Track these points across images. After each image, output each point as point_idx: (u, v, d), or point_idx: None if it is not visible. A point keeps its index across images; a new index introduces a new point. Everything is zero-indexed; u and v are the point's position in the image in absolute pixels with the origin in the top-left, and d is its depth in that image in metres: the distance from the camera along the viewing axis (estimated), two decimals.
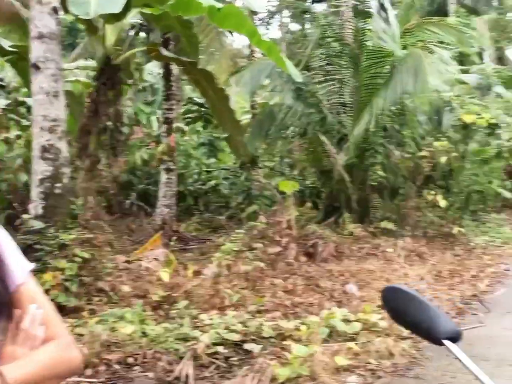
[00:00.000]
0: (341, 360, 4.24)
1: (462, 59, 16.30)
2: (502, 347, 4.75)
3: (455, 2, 18.36)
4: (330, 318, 4.96)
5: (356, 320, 5.06)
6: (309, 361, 4.10)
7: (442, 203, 9.87)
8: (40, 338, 1.14)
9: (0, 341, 1.14)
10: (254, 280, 6.45)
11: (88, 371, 4.07)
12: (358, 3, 9.80)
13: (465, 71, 15.46)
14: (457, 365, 4.37)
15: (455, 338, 1.02)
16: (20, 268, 1.21)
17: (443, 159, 10.04)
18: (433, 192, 10.05)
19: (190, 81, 9.62)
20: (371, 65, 9.94)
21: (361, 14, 9.67)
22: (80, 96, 12.94)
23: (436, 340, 1.03)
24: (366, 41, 9.83)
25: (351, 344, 4.61)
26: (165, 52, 7.75)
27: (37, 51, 6.20)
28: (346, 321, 5.05)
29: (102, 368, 4.14)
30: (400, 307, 1.10)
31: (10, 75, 22.07)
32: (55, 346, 1.16)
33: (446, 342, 1.01)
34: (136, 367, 4.26)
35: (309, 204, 13.50)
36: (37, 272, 4.82)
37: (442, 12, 18.71)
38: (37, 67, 6.18)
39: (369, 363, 4.36)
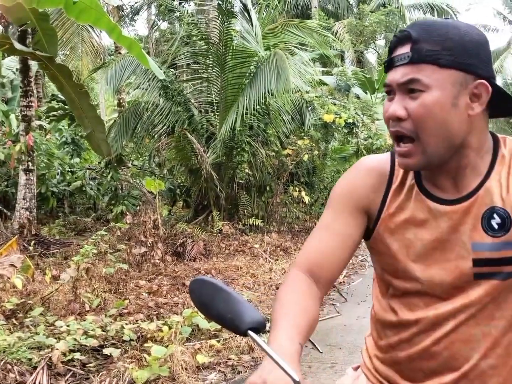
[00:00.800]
0: (202, 358, 4.24)
1: (325, 61, 17.10)
2: (355, 334, 5.01)
3: (318, 7, 19.16)
4: (192, 316, 4.93)
5: None
6: (169, 361, 4.05)
7: (306, 199, 10.26)
8: None
9: None
10: (117, 282, 6.27)
11: None
12: (222, 2, 9.84)
13: (327, 73, 16.21)
14: (313, 354, 4.55)
15: (259, 328, 1.03)
16: None
17: (306, 157, 10.44)
18: (297, 188, 10.42)
19: (48, 76, 9.14)
20: (236, 64, 10.09)
21: (226, 13, 9.73)
22: None
23: (241, 331, 1.03)
24: (231, 40, 9.94)
25: (213, 341, 4.63)
26: (18, 46, 7.28)
27: None
28: None
29: None
30: (207, 299, 1.09)
31: None
32: None
33: (250, 332, 1.02)
34: None
35: (180, 203, 13.45)
36: None
37: (305, 15, 19.50)
38: None
39: (230, 359, 4.40)
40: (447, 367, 1.29)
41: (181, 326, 4.70)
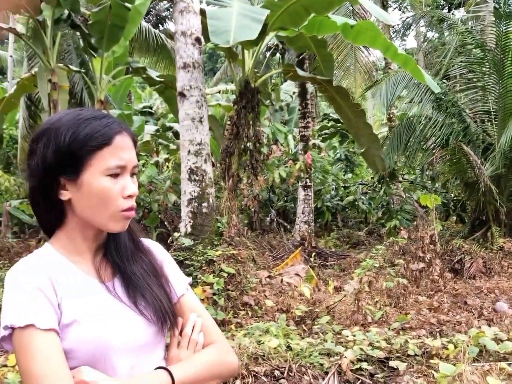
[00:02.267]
0: (493, 381, 4.03)
1: None
2: None
3: None
4: (479, 337, 4.72)
5: (508, 339, 4.77)
6: (458, 380, 3.94)
7: None
8: (201, 343, 1.28)
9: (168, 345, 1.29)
10: (397, 297, 6.33)
11: (237, 382, 4.25)
12: (498, 5, 9.30)
13: None
14: None
15: None
16: (179, 281, 1.36)
17: None
18: None
19: (325, 98, 9.74)
20: None
21: (503, 16, 9.16)
22: (221, 119, 13.67)
23: None
24: (510, 45, 9.32)
25: (503, 364, 4.36)
26: (301, 72, 7.93)
27: (182, 80, 6.67)
28: (498, 340, 4.78)
29: (251, 380, 4.30)
30: None
31: (157, 103, 23.85)
32: (215, 349, 1.29)
33: None
34: (282, 380, 4.37)
35: (453, 218, 12.97)
36: None
37: None
38: (183, 95, 6.65)
39: None
40: None
41: (468, 346, 4.53)
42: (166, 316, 1.26)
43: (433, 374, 4.11)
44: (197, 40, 6.60)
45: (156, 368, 1.21)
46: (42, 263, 1.20)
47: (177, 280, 1.35)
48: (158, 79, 9.40)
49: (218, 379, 1.28)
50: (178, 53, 6.68)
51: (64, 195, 1.22)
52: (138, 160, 1.30)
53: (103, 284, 1.25)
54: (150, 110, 22.11)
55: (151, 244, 1.39)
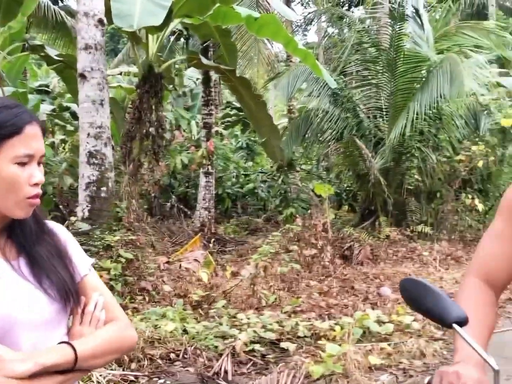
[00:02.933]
0: (374, 359, 4.39)
1: (503, 63, 16.13)
2: None
3: (495, 4, 18.14)
4: (364, 319, 5.09)
5: (390, 322, 5.19)
6: (342, 359, 4.25)
7: (480, 207, 9.85)
8: (102, 319, 1.36)
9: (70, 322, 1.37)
10: (290, 281, 6.64)
11: (133, 365, 4.32)
12: (394, 7, 9.85)
13: (506, 74, 15.28)
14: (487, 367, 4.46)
15: (462, 322, 1.19)
16: (82, 262, 1.42)
17: (481, 163, 10.02)
18: (470, 196, 10.05)
19: (229, 87, 9.88)
20: (407, 70, 10.00)
21: (398, 18, 9.71)
22: (122, 101, 13.39)
23: (446, 323, 1.21)
24: (402, 46, 9.90)
25: (384, 345, 4.75)
26: (205, 61, 8.01)
27: (83, 61, 6.55)
28: (380, 322, 5.18)
29: (146, 362, 4.39)
30: (416, 296, 1.27)
31: (54, 81, 22.84)
32: (116, 326, 1.37)
33: (454, 325, 1.19)
34: (177, 362, 4.50)
35: (345, 207, 13.63)
36: None
37: (481, 14, 18.54)
38: (83, 77, 6.53)
39: (401, 362, 4.49)
40: None
41: (353, 327, 4.88)
42: (70, 294, 1.32)
43: (320, 354, 4.40)
44: (100, 21, 6.49)
45: (59, 343, 1.28)
46: None
47: (80, 261, 1.41)
48: (57, 58, 9.09)
49: (118, 353, 1.38)
50: (80, 34, 6.54)
51: None
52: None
53: (8, 263, 1.30)
54: (46, 88, 21.17)
55: (55, 226, 1.44)
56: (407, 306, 1.38)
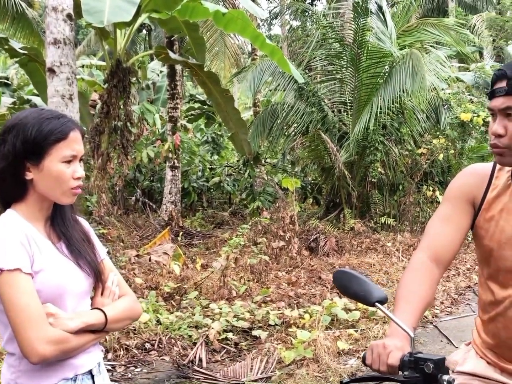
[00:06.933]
0: (343, 345, 4.58)
1: (462, 58, 16.61)
2: None
3: (455, 1, 18.62)
4: (331, 307, 5.29)
5: (356, 309, 5.40)
6: (312, 345, 4.43)
7: (441, 199, 10.18)
8: (117, 293, 1.72)
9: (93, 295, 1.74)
10: (260, 272, 6.79)
11: (110, 355, 4.41)
12: (357, 3, 10.03)
13: (465, 69, 15.74)
14: (447, 349, 4.71)
15: (383, 301, 1.45)
16: (101, 249, 1.79)
17: (441, 156, 10.36)
18: (431, 188, 10.38)
19: (197, 82, 9.94)
20: (370, 65, 10.24)
21: (361, 13, 9.89)
22: (85, 94, 13.25)
23: (370, 303, 1.46)
24: (366, 41, 10.11)
25: (351, 331, 4.95)
26: (173, 55, 8.06)
27: (52, 56, 6.52)
28: (347, 310, 5.38)
29: (122, 352, 4.48)
30: (345, 283, 1.53)
31: (12, 73, 22.33)
32: (128, 299, 1.74)
33: (377, 304, 1.44)
34: (153, 352, 4.60)
35: (310, 200, 13.86)
36: None
37: (441, 10, 19.01)
38: (52, 71, 6.50)
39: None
40: None
41: (321, 315, 5.07)
42: (97, 272, 1.69)
43: (291, 341, 4.57)
44: (69, 16, 6.47)
45: (92, 309, 1.64)
46: (17, 223, 1.58)
47: (99, 248, 1.78)
48: (21, 51, 8.98)
49: (131, 320, 1.77)
50: (48, 28, 6.50)
51: (28, 176, 1.59)
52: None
53: (54, 245, 1.64)
54: (6, 81, 20.74)
55: (80, 219, 1.79)
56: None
